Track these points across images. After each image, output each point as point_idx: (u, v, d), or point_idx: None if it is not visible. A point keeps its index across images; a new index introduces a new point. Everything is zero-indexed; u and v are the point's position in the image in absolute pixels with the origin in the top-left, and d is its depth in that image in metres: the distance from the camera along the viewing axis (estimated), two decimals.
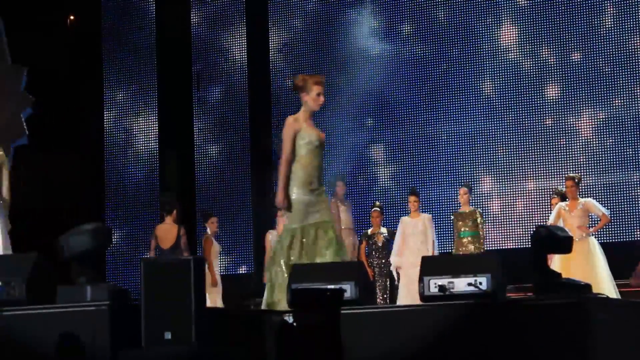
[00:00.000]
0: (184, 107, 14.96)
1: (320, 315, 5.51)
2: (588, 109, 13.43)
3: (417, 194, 12.16)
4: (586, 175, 12.95)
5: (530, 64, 13.78)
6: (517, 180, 13.48)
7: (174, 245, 12.08)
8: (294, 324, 5.59)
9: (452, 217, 12.29)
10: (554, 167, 13.49)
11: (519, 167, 13.55)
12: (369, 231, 12.62)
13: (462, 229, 12.03)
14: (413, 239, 11.93)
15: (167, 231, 12.17)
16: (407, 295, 11.76)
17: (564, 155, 13.46)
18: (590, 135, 13.37)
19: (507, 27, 13.87)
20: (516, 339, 6.06)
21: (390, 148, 14.24)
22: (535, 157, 13.56)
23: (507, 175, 13.66)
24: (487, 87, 13.91)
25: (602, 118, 13.38)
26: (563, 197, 11.67)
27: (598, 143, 13.29)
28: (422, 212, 12.26)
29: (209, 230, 12.66)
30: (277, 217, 12.13)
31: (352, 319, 6.23)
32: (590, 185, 13.05)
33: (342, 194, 12.56)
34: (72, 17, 15.09)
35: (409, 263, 11.72)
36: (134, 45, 15.45)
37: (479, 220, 12.00)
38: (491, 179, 13.64)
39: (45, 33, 14.22)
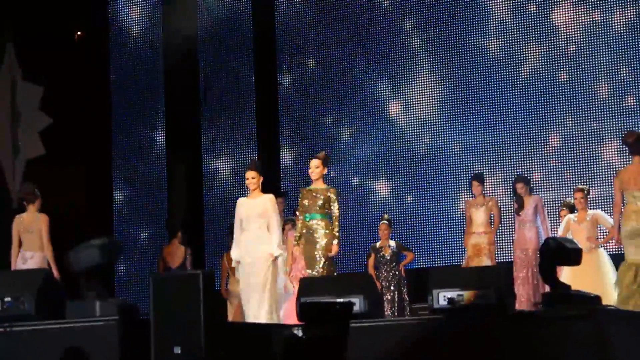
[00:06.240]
0: (192, 121, 14.98)
1: (330, 328, 5.51)
2: (593, 121, 13.42)
3: (256, 169, 9.40)
4: (594, 186, 12.94)
5: (537, 79, 13.76)
6: None
7: (181, 264, 12.83)
8: (304, 337, 5.59)
9: (300, 195, 9.80)
10: (562, 179, 13.47)
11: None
12: (377, 244, 12.60)
13: (311, 211, 9.61)
14: (252, 225, 9.31)
15: (173, 252, 12.97)
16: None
17: (571, 167, 13.43)
18: (596, 147, 13.35)
19: (515, 42, 13.86)
20: (526, 350, 6.05)
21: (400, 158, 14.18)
22: (542, 170, 13.54)
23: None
24: (495, 100, 13.90)
25: (608, 129, 13.35)
26: (572, 209, 11.67)
27: (605, 154, 13.27)
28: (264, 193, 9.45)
29: None
30: (284, 231, 12.10)
31: (361, 332, 6.23)
32: (598, 196, 13.01)
33: (479, 193, 12.13)
34: (79, 33, 15.14)
35: (244, 259, 9.29)
36: (141, 58, 15.48)
37: (332, 201, 9.53)
38: (499, 191, 13.60)
39: (53, 49, 14.27)
